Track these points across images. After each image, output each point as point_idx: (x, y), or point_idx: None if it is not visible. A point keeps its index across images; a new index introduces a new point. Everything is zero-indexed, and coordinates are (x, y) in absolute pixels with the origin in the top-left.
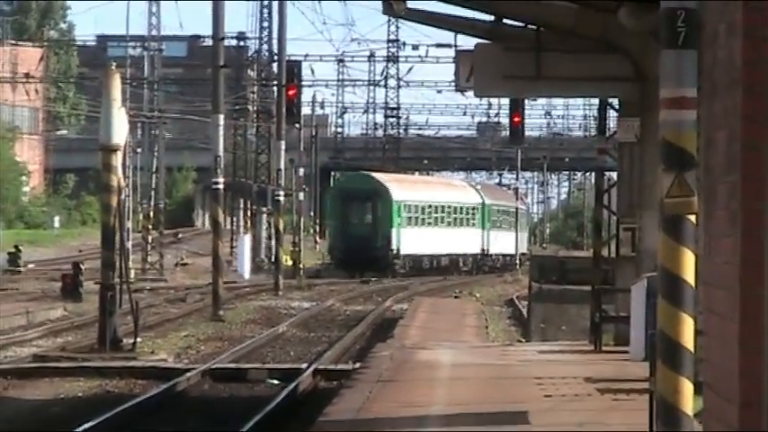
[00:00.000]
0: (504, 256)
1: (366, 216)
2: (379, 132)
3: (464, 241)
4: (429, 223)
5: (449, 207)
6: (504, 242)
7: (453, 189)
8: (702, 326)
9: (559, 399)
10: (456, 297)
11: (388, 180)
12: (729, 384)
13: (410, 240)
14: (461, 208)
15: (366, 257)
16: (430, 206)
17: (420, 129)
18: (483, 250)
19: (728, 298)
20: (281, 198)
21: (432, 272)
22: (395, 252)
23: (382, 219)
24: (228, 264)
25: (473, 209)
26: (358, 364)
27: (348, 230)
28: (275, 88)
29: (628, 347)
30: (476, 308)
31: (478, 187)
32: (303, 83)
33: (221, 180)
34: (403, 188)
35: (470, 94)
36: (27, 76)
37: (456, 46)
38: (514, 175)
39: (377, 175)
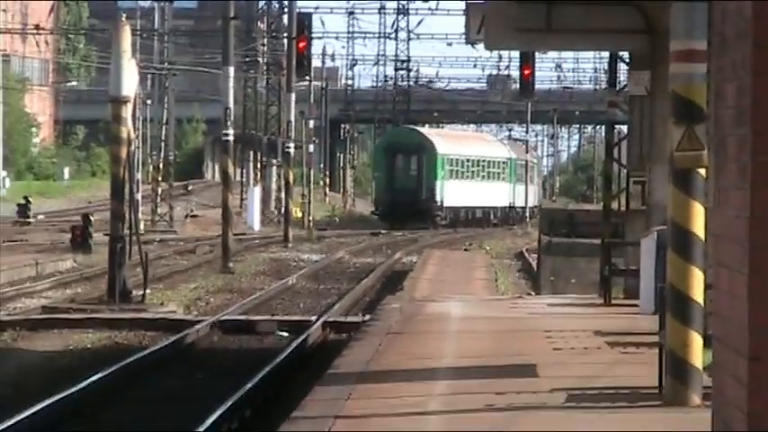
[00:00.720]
0: (523, 208)
1: (412, 169)
2: (390, 85)
3: (496, 194)
4: (468, 177)
5: (484, 161)
6: (524, 195)
7: (487, 144)
8: (712, 279)
9: (568, 352)
10: (466, 250)
11: (433, 134)
12: (739, 338)
13: (451, 193)
14: (495, 162)
15: (411, 210)
16: (468, 160)
17: (430, 81)
18: (510, 203)
19: (738, 251)
20: (291, 150)
21: (470, 223)
22: (438, 204)
23: (427, 172)
24: (238, 216)
25: (503, 163)
26: (367, 317)
27: (394, 183)
28: (285, 40)
29: (637, 301)
30: (485, 261)
31: (505, 142)
32: (313, 35)
33: (231, 132)
34: (446, 142)
35: (481, 46)
36: (37, 27)
37: None
38: (524, 128)
39: (422, 130)
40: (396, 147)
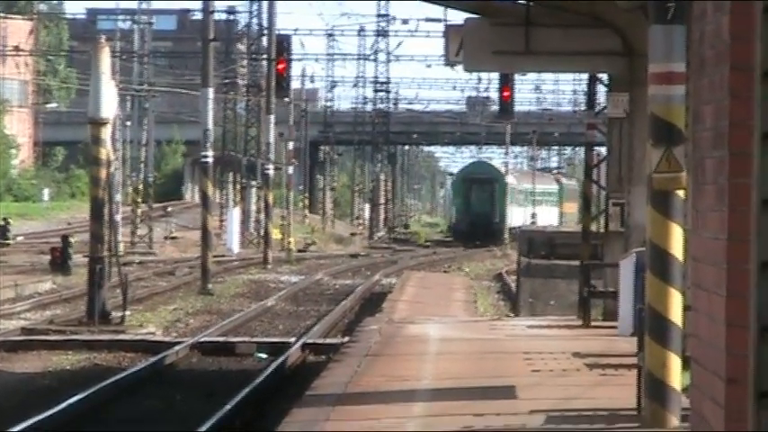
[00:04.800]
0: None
1: (487, 197)
2: (369, 106)
3: (547, 216)
4: (527, 203)
5: (540, 191)
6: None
7: (541, 177)
8: (691, 301)
9: (547, 373)
10: (445, 272)
11: (502, 168)
12: (716, 360)
13: (515, 216)
14: (543, 191)
15: (486, 231)
16: (528, 190)
17: (410, 103)
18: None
19: (716, 273)
20: (271, 172)
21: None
22: (507, 226)
23: (500, 199)
24: (218, 237)
25: (552, 192)
26: (346, 338)
27: (471, 208)
28: (265, 62)
29: (616, 322)
30: (465, 282)
31: (558, 176)
32: (293, 57)
33: (210, 153)
34: (511, 175)
35: (460, 68)
36: (16, 48)
37: (446, 20)
38: (504, 150)
39: (494, 164)
40: (473, 178)
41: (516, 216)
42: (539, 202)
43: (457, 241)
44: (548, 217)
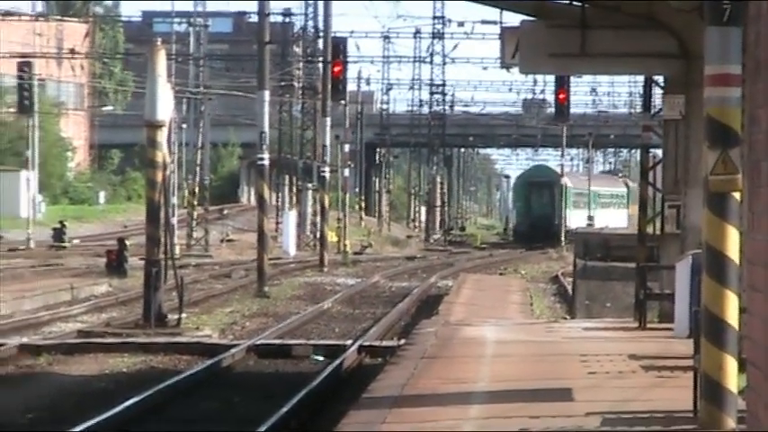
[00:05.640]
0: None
1: (547, 199)
2: (425, 109)
3: (613, 218)
4: (588, 205)
5: (603, 193)
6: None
7: (606, 180)
8: (746, 303)
9: (603, 376)
10: (501, 274)
11: (561, 172)
12: None
13: (576, 218)
14: (611, 194)
15: (545, 232)
16: (589, 192)
17: (466, 105)
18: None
19: None
20: (327, 174)
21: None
22: (566, 228)
23: (559, 201)
24: (274, 240)
25: (621, 195)
26: (403, 341)
27: (532, 211)
28: (321, 65)
29: (672, 325)
30: (520, 285)
31: (625, 179)
32: (349, 59)
33: (266, 156)
34: (572, 178)
35: (516, 70)
36: (72, 51)
37: (501, 23)
38: (559, 152)
39: (554, 168)
40: (534, 181)
41: (576, 219)
42: (607, 205)
43: (518, 243)
44: (617, 219)
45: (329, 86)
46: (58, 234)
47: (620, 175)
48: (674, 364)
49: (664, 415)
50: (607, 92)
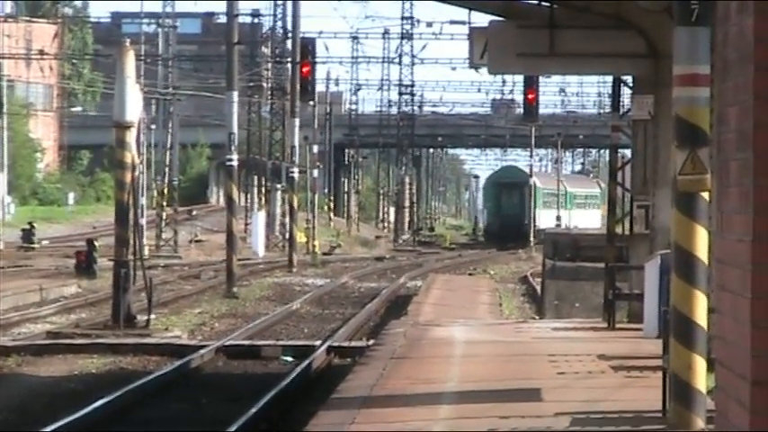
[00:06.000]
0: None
1: (517, 200)
2: (394, 109)
3: (587, 219)
4: (558, 206)
5: (578, 194)
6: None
7: (581, 181)
8: (715, 303)
9: (572, 376)
10: (470, 274)
11: (530, 172)
12: (742, 362)
13: (545, 218)
14: (585, 195)
15: (515, 232)
16: (558, 192)
17: (434, 106)
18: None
19: (740, 275)
20: (296, 175)
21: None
22: (536, 228)
23: (529, 202)
24: (243, 241)
25: (595, 196)
26: (372, 342)
27: (502, 211)
28: (289, 65)
29: (641, 325)
30: (490, 285)
31: (598, 180)
32: (317, 60)
33: (235, 157)
34: (542, 178)
35: (484, 71)
36: (41, 52)
37: (470, 23)
38: (528, 153)
39: (524, 168)
40: (503, 182)
41: (547, 219)
42: (581, 205)
43: (488, 243)
44: (591, 220)
45: (298, 87)
46: (27, 235)
47: (592, 175)
48: (643, 364)
49: (633, 415)
50: (576, 92)
